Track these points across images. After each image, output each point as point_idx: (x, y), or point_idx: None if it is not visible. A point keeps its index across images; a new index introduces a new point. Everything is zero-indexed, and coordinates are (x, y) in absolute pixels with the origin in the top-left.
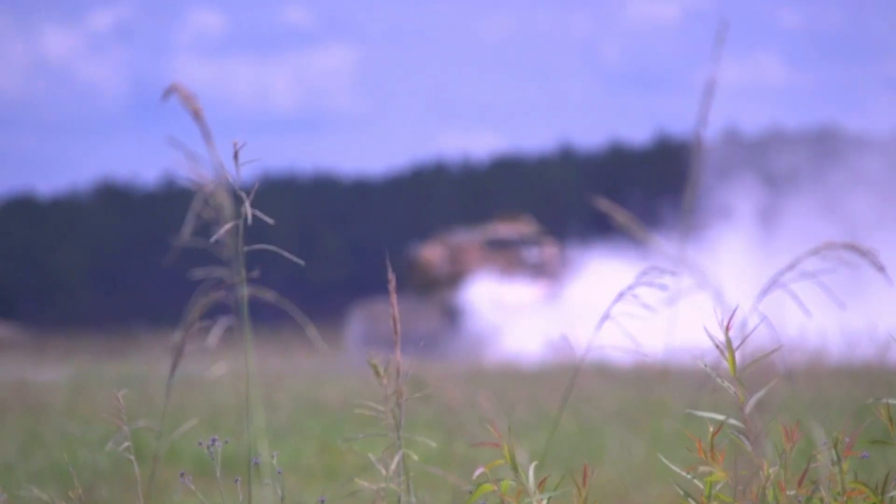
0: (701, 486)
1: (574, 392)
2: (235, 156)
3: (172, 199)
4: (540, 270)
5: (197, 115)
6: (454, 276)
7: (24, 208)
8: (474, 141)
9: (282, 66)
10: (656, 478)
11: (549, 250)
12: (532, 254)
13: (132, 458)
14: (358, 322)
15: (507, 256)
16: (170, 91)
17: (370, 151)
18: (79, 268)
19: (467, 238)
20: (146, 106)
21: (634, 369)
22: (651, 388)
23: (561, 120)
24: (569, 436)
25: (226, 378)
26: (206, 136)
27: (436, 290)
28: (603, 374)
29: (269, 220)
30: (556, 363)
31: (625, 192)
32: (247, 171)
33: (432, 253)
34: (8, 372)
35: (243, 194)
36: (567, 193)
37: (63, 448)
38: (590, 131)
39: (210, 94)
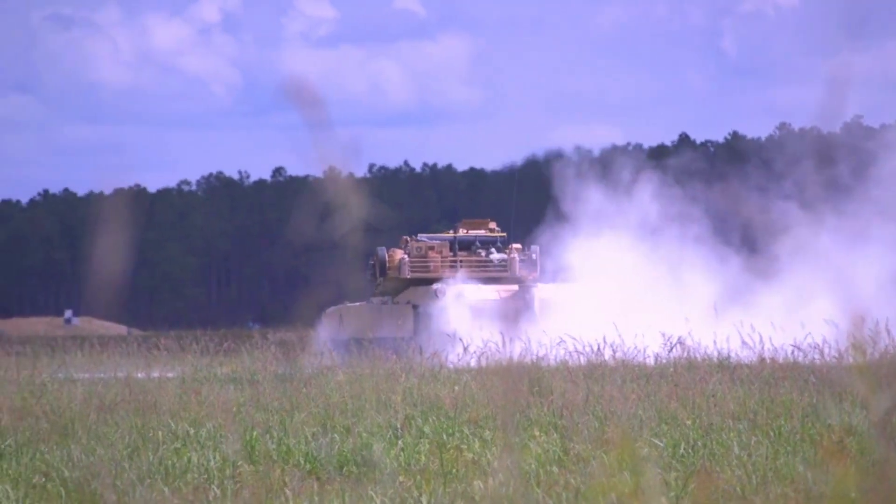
0: (826, 486)
1: (694, 389)
2: (348, 148)
3: (282, 192)
4: (506, 273)
5: (312, 108)
6: (422, 279)
7: (133, 202)
8: (589, 133)
9: (394, 57)
10: (778, 478)
11: (515, 254)
12: (498, 257)
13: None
14: (328, 324)
15: (473, 259)
16: (286, 84)
17: (484, 144)
18: (189, 264)
19: (434, 241)
20: (255, 98)
21: (757, 366)
22: (773, 386)
23: (678, 111)
24: (689, 435)
25: (338, 375)
26: (320, 128)
27: (404, 292)
28: (724, 371)
29: (386, 213)
30: (672, 361)
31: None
32: (359, 164)
33: (400, 256)
34: (118, 370)
35: (358, 187)
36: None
37: (173, 447)
38: (708, 123)
39: (320, 87)
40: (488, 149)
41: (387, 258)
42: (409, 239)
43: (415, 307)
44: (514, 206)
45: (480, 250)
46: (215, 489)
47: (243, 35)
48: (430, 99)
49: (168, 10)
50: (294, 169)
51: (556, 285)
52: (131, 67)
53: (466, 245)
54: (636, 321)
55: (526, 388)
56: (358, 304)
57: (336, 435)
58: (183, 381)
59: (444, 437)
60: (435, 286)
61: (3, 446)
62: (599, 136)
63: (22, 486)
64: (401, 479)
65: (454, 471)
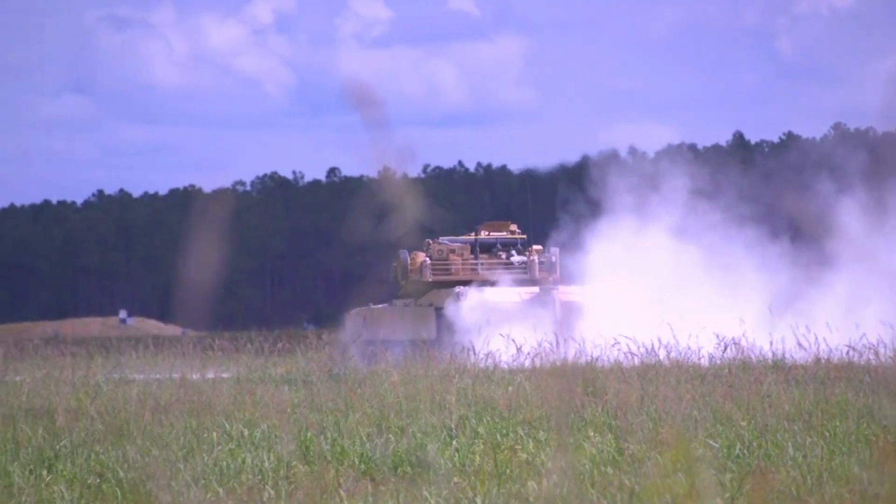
0: (882, 487)
1: (749, 390)
2: (403, 149)
3: (337, 192)
4: (526, 275)
5: (370, 109)
6: (443, 282)
7: (187, 203)
8: (644, 134)
9: (448, 58)
10: (833, 479)
11: (536, 256)
12: (518, 259)
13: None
14: (351, 325)
15: (493, 262)
16: (346, 85)
17: (538, 145)
18: (243, 264)
19: (455, 244)
20: (310, 99)
21: (812, 366)
22: (828, 387)
23: (733, 112)
24: (743, 436)
25: (392, 376)
26: (378, 129)
27: (426, 294)
28: (779, 372)
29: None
30: (727, 361)
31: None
32: (414, 164)
33: (422, 259)
34: (173, 371)
35: (412, 187)
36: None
37: (228, 448)
38: (763, 123)
39: (375, 86)
40: (542, 149)
41: (409, 261)
42: (430, 242)
43: (437, 309)
44: (531, 208)
45: (501, 253)
46: (269, 490)
47: (297, 35)
48: (484, 99)
49: (222, 11)
50: (348, 169)
51: (579, 287)
52: (186, 68)
53: (487, 248)
54: (670, 321)
55: (580, 388)
56: (381, 306)
57: (390, 435)
58: (238, 382)
59: (499, 437)
60: (457, 289)
61: (58, 447)
62: (654, 137)
63: (77, 486)
64: (455, 479)
65: (508, 471)
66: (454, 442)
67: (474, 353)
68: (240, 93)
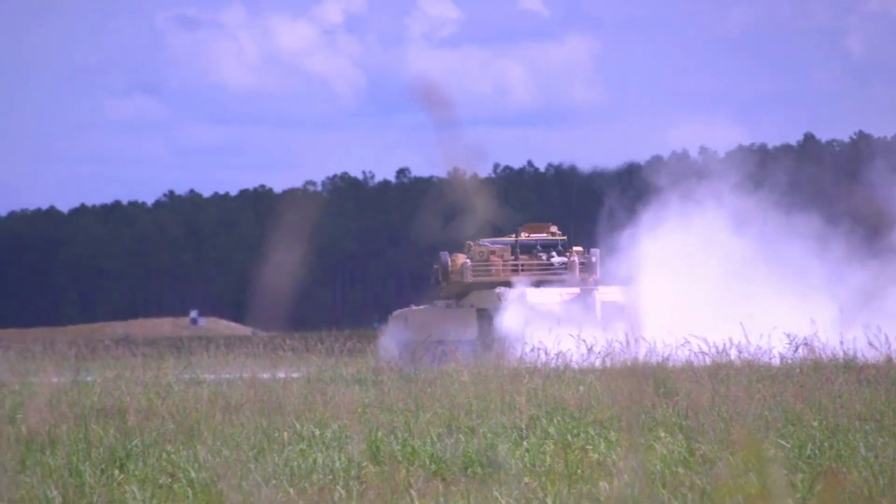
0: None
1: (820, 390)
2: (474, 149)
3: (406, 192)
4: (566, 276)
5: (439, 109)
6: (484, 283)
7: (258, 203)
8: (713, 134)
9: (517, 58)
10: None
11: (576, 257)
12: (558, 260)
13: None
14: (394, 326)
15: (534, 263)
16: (414, 84)
17: (607, 145)
18: (314, 264)
19: (496, 245)
20: (379, 99)
21: (884, 366)
22: None
23: (803, 111)
24: (815, 436)
25: (463, 376)
26: (447, 129)
27: (468, 295)
28: (850, 372)
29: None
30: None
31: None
32: (484, 164)
33: (462, 260)
34: (244, 371)
35: (482, 187)
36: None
37: (298, 448)
38: (834, 122)
39: (445, 86)
40: (612, 149)
41: (449, 262)
42: (471, 243)
43: (478, 310)
44: (574, 210)
45: (541, 254)
46: (340, 490)
47: (367, 35)
48: (553, 99)
49: (292, 11)
50: (418, 170)
51: (620, 288)
52: (255, 68)
53: (528, 249)
54: (740, 321)
55: (651, 388)
56: (423, 307)
57: (461, 435)
58: (308, 382)
59: (570, 437)
60: (498, 289)
61: (129, 447)
62: (724, 136)
63: (149, 486)
64: (526, 479)
65: (579, 472)
66: (525, 442)
67: (546, 353)
68: (309, 93)
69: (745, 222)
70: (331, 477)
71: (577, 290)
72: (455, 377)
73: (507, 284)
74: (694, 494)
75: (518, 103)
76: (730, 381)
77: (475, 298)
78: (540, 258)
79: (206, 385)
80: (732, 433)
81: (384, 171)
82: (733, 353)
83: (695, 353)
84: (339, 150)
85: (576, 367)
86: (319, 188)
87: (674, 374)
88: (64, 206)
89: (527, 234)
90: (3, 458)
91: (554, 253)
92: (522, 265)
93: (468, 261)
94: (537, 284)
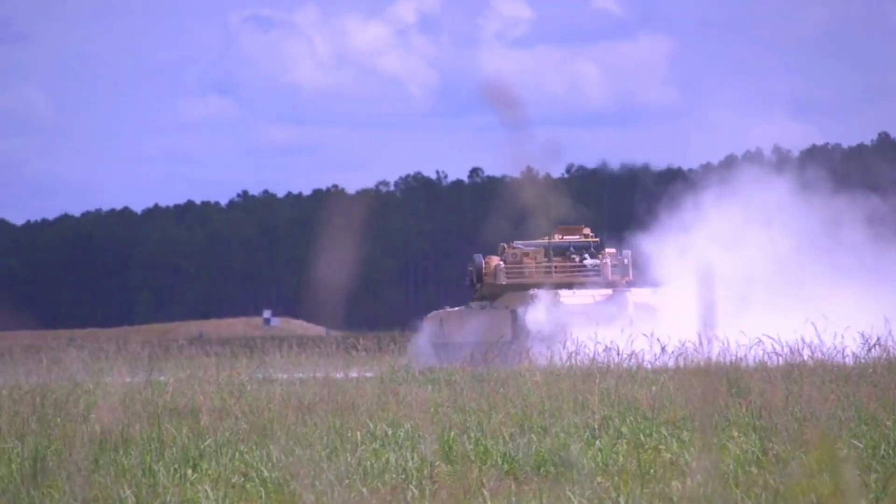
0: None
1: (894, 389)
2: (548, 149)
3: (479, 192)
4: (598, 278)
5: (510, 109)
6: (518, 285)
7: (331, 203)
8: (788, 133)
9: (591, 57)
10: None
11: (608, 258)
12: (591, 262)
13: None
14: (428, 328)
15: (567, 265)
16: (485, 84)
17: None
18: (386, 264)
19: (529, 248)
20: (453, 99)
21: None
22: None
23: (878, 111)
24: (889, 436)
25: (535, 375)
26: (518, 128)
27: (502, 297)
28: None
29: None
30: (874, 360)
31: None
32: (559, 164)
33: (496, 262)
34: (317, 370)
35: (555, 187)
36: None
37: (371, 448)
38: None
39: (517, 87)
40: (686, 148)
41: (483, 265)
42: (505, 246)
43: (512, 312)
44: (605, 210)
45: (574, 256)
46: (413, 489)
47: (440, 36)
48: (628, 99)
49: (365, 11)
50: (491, 169)
51: (652, 289)
52: (329, 68)
53: (560, 251)
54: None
55: (724, 388)
56: (458, 308)
57: (533, 435)
58: (381, 382)
59: (642, 437)
60: (531, 291)
61: (203, 446)
62: (798, 136)
63: (221, 486)
64: (598, 479)
65: (652, 471)
66: (597, 442)
67: (618, 354)
68: (383, 93)
69: (821, 221)
70: (403, 476)
71: (609, 291)
72: (528, 377)
73: (540, 286)
74: (767, 494)
75: (592, 103)
76: (803, 380)
77: (509, 300)
78: (573, 260)
79: (279, 384)
80: (806, 433)
81: (457, 171)
82: (806, 353)
83: (767, 352)
84: (412, 150)
85: (649, 366)
86: (392, 188)
87: (747, 373)
88: (138, 207)
89: (560, 237)
90: (76, 458)
91: (587, 255)
92: (555, 267)
93: (501, 263)
94: (570, 286)
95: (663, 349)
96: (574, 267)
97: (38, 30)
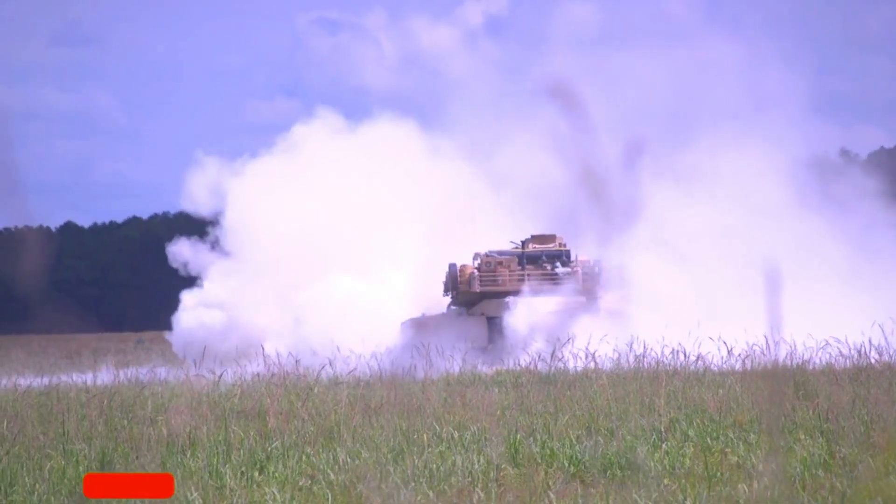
0: None
1: None
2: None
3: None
4: (570, 285)
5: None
6: (492, 292)
7: None
8: (855, 136)
9: (660, 60)
10: None
11: (580, 267)
12: (563, 270)
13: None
14: (403, 333)
15: (539, 273)
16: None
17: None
18: None
19: (503, 256)
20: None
21: None
22: None
23: None
24: None
25: (601, 378)
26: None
27: (478, 304)
28: None
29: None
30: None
31: None
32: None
33: (470, 270)
34: (383, 372)
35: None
36: None
37: (437, 450)
38: None
39: (587, 90)
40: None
41: (458, 273)
42: (480, 254)
43: (489, 318)
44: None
45: (546, 264)
46: (479, 492)
47: (506, 38)
48: (694, 100)
49: (432, 14)
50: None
51: (620, 295)
52: (396, 71)
53: (533, 259)
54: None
55: (791, 391)
56: (436, 314)
57: (600, 438)
58: (447, 384)
59: (709, 440)
60: (507, 298)
61: (270, 449)
62: (866, 139)
63: (288, 488)
64: (665, 482)
65: (719, 474)
66: (664, 444)
67: (685, 356)
68: (450, 95)
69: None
70: (470, 479)
71: (582, 298)
72: (594, 379)
73: (514, 294)
74: (834, 497)
75: (656, 101)
76: (870, 383)
77: (485, 307)
78: (545, 268)
79: (345, 387)
80: (873, 436)
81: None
82: (873, 356)
83: (834, 355)
84: None
85: (715, 369)
86: None
87: (813, 376)
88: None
89: (534, 246)
90: (144, 460)
91: (558, 263)
92: (528, 275)
93: (476, 271)
94: (544, 293)
95: (730, 351)
96: (545, 275)
97: (107, 32)
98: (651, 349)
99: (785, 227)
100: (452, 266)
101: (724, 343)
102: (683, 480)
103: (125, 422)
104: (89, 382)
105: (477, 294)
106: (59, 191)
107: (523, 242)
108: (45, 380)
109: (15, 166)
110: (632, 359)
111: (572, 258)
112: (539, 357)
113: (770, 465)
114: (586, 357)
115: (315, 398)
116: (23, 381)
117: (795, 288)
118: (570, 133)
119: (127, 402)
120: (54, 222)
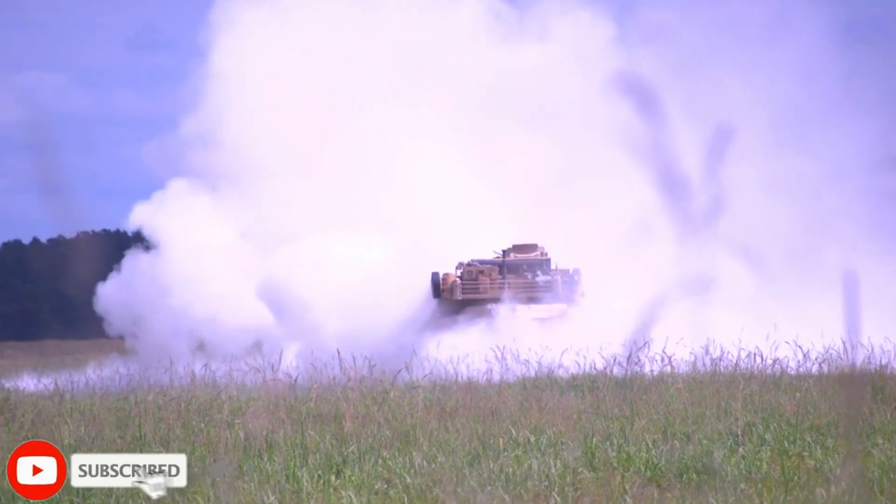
0: None
1: None
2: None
3: None
4: (549, 293)
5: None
6: (473, 300)
7: None
8: None
9: (728, 58)
10: None
11: (559, 275)
12: (542, 279)
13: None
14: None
15: (520, 281)
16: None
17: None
18: None
19: (485, 265)
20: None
21: None
22: None
23: None
24: None
25: (677, 382)
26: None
27: (462, 311)
28: None
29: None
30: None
31: None
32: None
33: (453, 279)
34: (458, 374)
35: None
36: None
37: (514, 454)
38: None
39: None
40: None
41: (441, 281)
42: (463, 263)
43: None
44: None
45: (527, 273)
46: (556, 496)
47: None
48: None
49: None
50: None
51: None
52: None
53: (514, 268)
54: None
55: (869, 395)
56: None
57: (676, 442)
58: (524, 388)
59: (786, 444)
60: (489, 306)
61: (346, 453)
62: None
63: (365, 492)
64: (741, 486)
65: (796, 478)
66: (741, 448)
67: (762, 359)
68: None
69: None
70: (546, 483)
71: (563, 305)
72: (670, 383)
73: (495, 302)
74: None
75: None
76: None
77: (469, 314)
78: (525, 277)
79: (422, 391)
80: None
81: None
82: None
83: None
84: None
85: (792, 372)
86: None
87: (892, 380)
88: None
89: (515, 255)
90: (221, 464)
91: (539, 272)
92: (509, 283)
93: (458, 280)
94: (525, 301)
95: (806, 355)
96: (526, 283)
97: (181, 37)
98: (728, 352)
99: (863, 229)
100: (435, 275)
101: (800, 347)
102: (760, 485)
103: (202, 425)
104: (167, 386)
105: (458, 302)
106: (134, 196)
107: (504, 252)
108: (123, 383)
109: (90, 171)
110: (708, 362)
111: (552, 266)
112: (615, 360)
113: (848, 469)
114: (662, 361)
115: (391, 402)
116: (98, 382)
117: (873, 290)
118: (647, 131)
119: (204, 406)
120: (131, 227)
